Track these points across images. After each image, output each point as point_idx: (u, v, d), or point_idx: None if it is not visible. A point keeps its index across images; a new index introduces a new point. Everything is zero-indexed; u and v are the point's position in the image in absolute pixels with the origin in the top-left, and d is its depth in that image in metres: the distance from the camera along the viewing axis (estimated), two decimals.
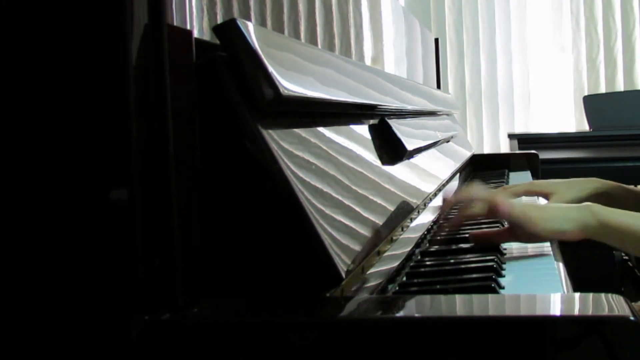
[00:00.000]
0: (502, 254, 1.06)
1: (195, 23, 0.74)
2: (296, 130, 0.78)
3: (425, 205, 1.25)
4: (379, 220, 0.88)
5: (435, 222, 1.28)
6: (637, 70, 3.83)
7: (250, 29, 0.71)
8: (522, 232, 1.03)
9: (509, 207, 1.03)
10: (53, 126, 0.62)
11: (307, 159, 0.76)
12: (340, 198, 0.79)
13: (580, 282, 0.95)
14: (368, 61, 1.52)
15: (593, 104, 3.40)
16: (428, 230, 1.21)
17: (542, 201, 1.46)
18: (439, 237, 1.18)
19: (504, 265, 1.00)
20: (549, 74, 3.93)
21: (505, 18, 3.94)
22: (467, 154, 2.14)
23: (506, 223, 1.11)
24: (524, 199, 1.50)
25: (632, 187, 1.51)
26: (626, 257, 2.26)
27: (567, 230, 1.02)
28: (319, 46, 1.19)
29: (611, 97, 3.48)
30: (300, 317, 0.62)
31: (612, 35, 3.83)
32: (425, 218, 1.21)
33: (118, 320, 0.61)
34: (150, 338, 0.60)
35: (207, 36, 0.74)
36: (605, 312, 0.59)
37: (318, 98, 0.85)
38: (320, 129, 0.86)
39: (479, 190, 1.13)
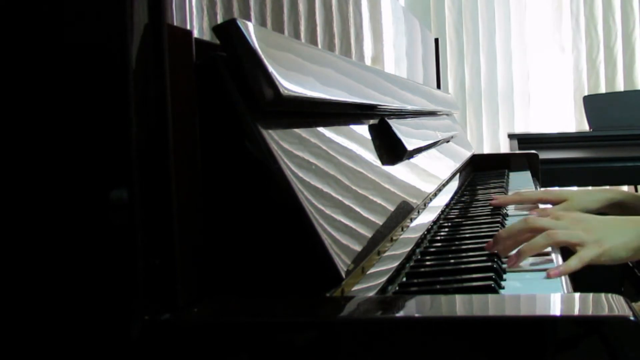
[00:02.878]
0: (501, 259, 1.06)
1: (195, 23, 0.74)
2: (296, 130, 0.78)
3: (425, 205, 1.25)
4: (379, 220, 0.88)
5: (435, 222, 1.28)
6: (637, 70, 3.83)
7: (250, 29, 0.71)
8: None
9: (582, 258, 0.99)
10: (53, 127, 0.62)
11: (307, 159, 0.76)
12: (340, 198, 0.79)
13: (580, 282, 0.95)
14: (368, 61, 1.52)
15: (593, 104, 3.40)
16: (428, 230, 1.21)
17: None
18: (439, 237, 1.19)
19: (503, 265, 1.00)
20: (549, 74, 3.93)
21: (505, 18, 3.94)
22: (467, 154, 2.14)
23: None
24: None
25: None
26: None
27: (627, 257, 1.03)
28: (319, 46, 1.19)
29: (611, 97, 3.48)
30: (300, 317, 0.62)
31: (612, 35, 3.84)
32: (425, 218, 1.21)
33: (118, 320, 0.61)
34: (150, 338, 0.60)
35: (207, 36, 0.74)
36: (605, 312, 0.59)
37: (318, 98, 0.85)
38: (320, 129, 0.86)
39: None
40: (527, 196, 1.48)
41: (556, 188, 1.53)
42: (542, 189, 1.55)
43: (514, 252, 1.00)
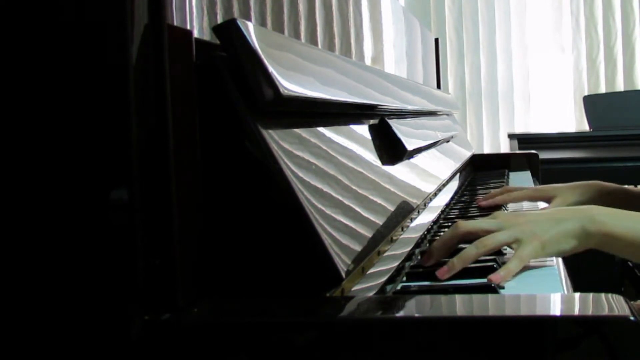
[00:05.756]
0: (502, 254, 1.06)
1: (195, 23, 0.74)
2: (296, 130, 0.78)
3: (425, 205, 1.25)
4: (379, 220, 0.88)
5: (435, 222, 1.28)
6: (637, 70, 3.83)
7: (250, 29, 0.71)
8: None
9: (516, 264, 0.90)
10: (53, 127, 0.62)
11: (307, 159, 0.76)
12: (340, 198, 0.79)
13: (580, 282, 0.94)
14: (368, 61, 1.52)
15: (593, 104, 3.41)
16: (428, 230, 1.21)
17: (541, 205, 1.47)
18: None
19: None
20: (549, 74, 3.93)
21: (505, 18, 3.94)
22: (467, 154, 2.14)
23: None
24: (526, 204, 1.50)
25: (633, 187, 1.52)
26: None
27: (570, 249, 0.95)
28: (319, 46, 1.19)
29: (611, 97, 3.48)
30: (300, 317, 0.62)
31: (612, 35, 3.84)
32: (425, 218, 1.21)
33: (118, 320, 0.61)
34: (150, 338, 0.60)
35: (207, 36, 0.74)
36: (605, 312, 0.59)
37: (318, 98, 0.85)
38: (320, 129, 0.86)
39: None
40: (515, 196, 1.44)
41: (547, 185, 1.51)
42: (533, 186, 1.54)
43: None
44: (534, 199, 1.47)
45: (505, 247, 0.99)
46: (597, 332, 0.58)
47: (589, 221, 0.94)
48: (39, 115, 0.62)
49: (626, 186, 1.50)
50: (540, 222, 0.94)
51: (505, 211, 1.35)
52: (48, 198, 0.62)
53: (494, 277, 0.86)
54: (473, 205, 1.54)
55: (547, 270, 0.94)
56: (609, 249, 0.95)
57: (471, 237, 0.94)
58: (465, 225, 0.95)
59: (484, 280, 0.86)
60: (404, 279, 0.94)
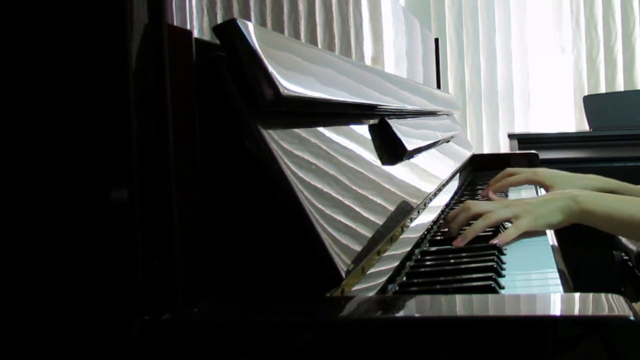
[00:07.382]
0: (502, 254, 1.07)
1: (195, 23, 0.74)
2: (296, 130, 0.78)
3: (425, 205, 1.25)
4: (379, 220, 0.88)
5: (435, 222, 1.28)
6: (637, 70, 3.83)
7: (250, 29, 0.71)
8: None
9: (513, 232, 1.13)
10: (53, 127, 0.62)
11: (307, 159, 0.76)
12: (340, 198, 0.79)
13: (580, 282, 0.95)
14: (368, 61, 1.52)
15: (593, 104, 3.40)
16: (428, 230, 1.21)
17: (541, 192, 1.51)
18: (439, 238, 1.19)
19: (503, 265, 1.00)
20: (549, 74, 3.93)
21: (505, 18, 3.93)
22: (467, 154, 2.14)
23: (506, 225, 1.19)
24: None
25: (632, 185, 1.54)
26: (626, 257, 2.26)
27: (557, 222, 1.16)
28: (319, 46, 1.19)
29: (611, 97, 3.48)
30: (300, 317, 0.62)
31: (612, 35, 3.83)
32: (425, 218, 1.21)
33: (118, 320, 0.61)
34: (150, 338, 0.60)
35: (207, 36, 0.74)
36: (605, 312, 0.59)
37: (318, 98, 0.85)
38: (320, 129, 0.86)
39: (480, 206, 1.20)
40: (515, 179, 1.57)
41: (545, 170, 1.58)
42: (532, 169, 1.61)
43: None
44: (532, 182, 1.56)
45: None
46: (597, 332, 0.58)
47: (572, 200, 1.15)
48: (39, 115, 0.63)
49: (625, 183, 1.53)
50: (534, 202, 1.18)
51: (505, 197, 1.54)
52: (48, 198, 0.62)
53: (496, 240, 1.09)
54: None
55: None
56: (588, 222, 1.16)
57: (479, 216, 1.16)
58: (475, 207, 1.18)
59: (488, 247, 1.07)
60: (404, 278, 0.94)
